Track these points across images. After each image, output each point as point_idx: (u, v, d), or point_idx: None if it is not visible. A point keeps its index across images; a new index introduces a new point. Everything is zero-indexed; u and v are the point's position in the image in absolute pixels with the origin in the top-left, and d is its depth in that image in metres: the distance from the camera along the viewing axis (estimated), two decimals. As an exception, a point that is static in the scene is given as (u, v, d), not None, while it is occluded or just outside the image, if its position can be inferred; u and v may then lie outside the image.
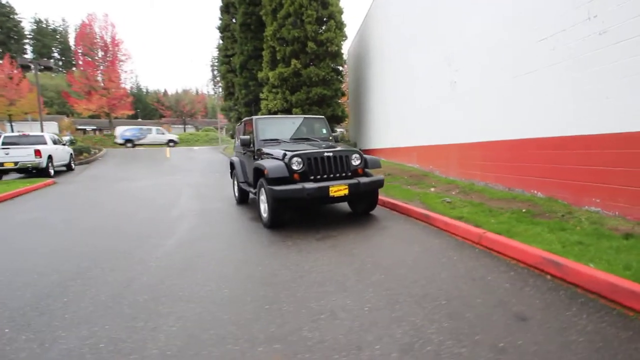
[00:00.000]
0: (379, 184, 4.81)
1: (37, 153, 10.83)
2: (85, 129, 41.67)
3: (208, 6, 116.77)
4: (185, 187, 9.31)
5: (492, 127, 5.95)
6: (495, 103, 5.84)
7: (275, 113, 13.53)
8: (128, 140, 27.04)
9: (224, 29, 19.10)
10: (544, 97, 4.80)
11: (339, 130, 17.58)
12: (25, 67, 19.93)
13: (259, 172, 4.88)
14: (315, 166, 4.55)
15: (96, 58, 28.71)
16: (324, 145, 5.12)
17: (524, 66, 5.07)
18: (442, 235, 4.03)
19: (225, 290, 2.72)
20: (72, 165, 13.97)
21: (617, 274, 2.40)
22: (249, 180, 6.07)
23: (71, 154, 14.09)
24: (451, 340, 1.91)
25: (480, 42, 6.11)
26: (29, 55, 49.40)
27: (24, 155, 10.75)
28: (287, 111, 13.31)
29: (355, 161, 4.81)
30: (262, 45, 15.29)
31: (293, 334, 2.05)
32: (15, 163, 10.75)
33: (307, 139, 5.77)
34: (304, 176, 4.48)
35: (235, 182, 6.86)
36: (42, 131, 15.24)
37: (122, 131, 27.53)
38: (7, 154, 10.75)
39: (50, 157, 11.42)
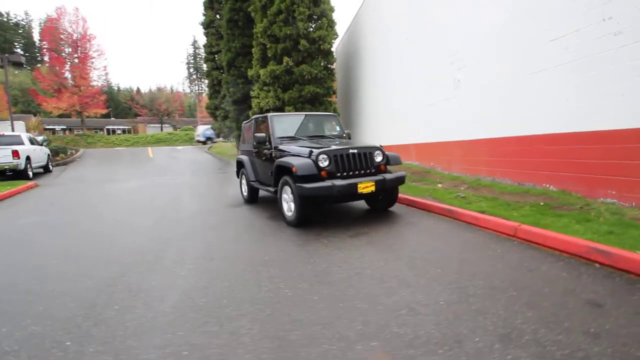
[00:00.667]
0: (402, 180, 4.84)
1: (15, 154, 10.10)
2: (54, 129, 39.33)
3: (180, 1, 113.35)
4: (182, 188, 9.00)
5: (498, 124, 6.14)
6: (503, 101, 6.03)
7: (267, 111, 13.34)
8: (208, 139, 27.99)
9: (208, 25, 18.60)
10: (555, 95, 5.00)
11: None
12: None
13: (282, 170, 4.79)
14: (342, 163, 4.52)
15: (63, 54, 27.13)
16: (338, 143, 5.09)
17: (535, 64, 5.27)
18: (472, 229, 4.11)
19: (286, 290, 2.64)
20: (50, 166, 13.16)
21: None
22: (262, 179, 5.95)
23: (49, 155, 13.26)
24: (543, 329, 1.95)
25: (486, 41, 6.28)
26: (-13, 50, 45.91)
27: (0, 156, 9.99)
28: (280, 109, 13.15)
29: (378, 157, 4.82)
30: (250, 42, 15.02)
31: (383, 330, 2.02)
32: (-9, 165, 9.99)
33: (322, 136, 5.74)
34: (330, 173, 4.44)
35: (244, 182, 6.70)
36: (13, 131, 14.25)
37: (203, 130, 28.73)
38: (-19, 155, 9.97)
39: (28, 158, 10.70)
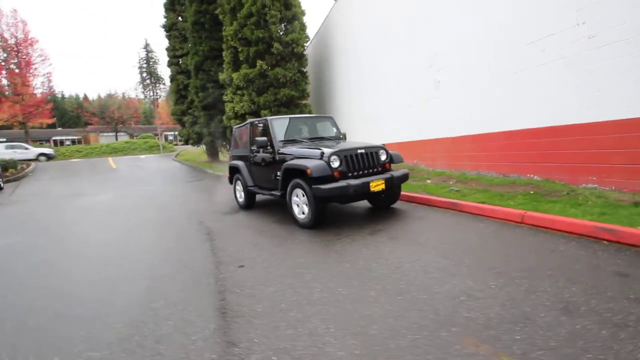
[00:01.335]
0: (407, 177, 5.06)
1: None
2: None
3: (128, 3, 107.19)
4: (164, 197, 8.59)
5: (482, 121, 6.60)
6: (485, 99, 6.49)
7: (243, 115, 13.11)
8: None
9: (170, 27, 17.85)
10: (535, 93, 5.50)
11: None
12: None
13: (291, 173, 4.79)
14: (352, 163, 4.63)
15: (-1, 60, 24.64)
16: (339, 143, 5.20)
17: (517, 65, 5.75)
18: (479, 219, 4.40)
19: (339, 289, 2.68)
20: (0, 183, 11.89)
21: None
22: (262, 184, 5.88)
23: (-1, 170, 11.98)
24: (593, 300, 2.18)
25: (468, 44, 6.73)
26: None
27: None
28: (255, 113, 13.01)
29: (383, 156, 4.99)
30: (218, 45, 14.68)
31: (455, 316, 2.15)
32: None
33: (322, 138, 5.80)
34: (342, 173, 4.52)
35: (239, 187, 6.57)
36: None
37: None
38: None
39: (-23, 176, 9.58)
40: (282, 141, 5.41)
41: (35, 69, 25.84)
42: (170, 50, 17.85)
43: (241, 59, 13.07)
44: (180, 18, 17.93)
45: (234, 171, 6.68)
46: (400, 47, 8.81)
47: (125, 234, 5.18)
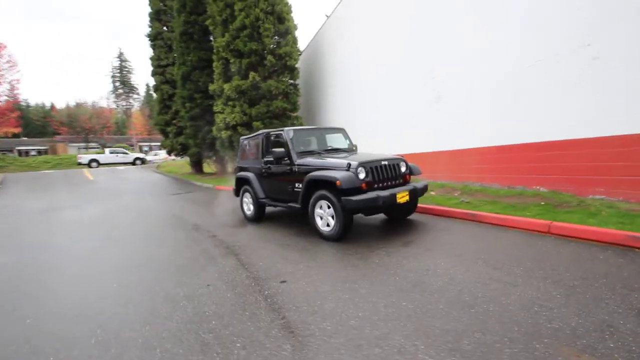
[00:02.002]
0: (426, 189, 5.12)
1: None
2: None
3: (97, 10, 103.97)
4: (158, 210, 8.18)
5: (485, 135, 6.85)
6: (491, 115, 6.76)
7: (234, 127, 12.91)
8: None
9: (154, 37, 17.43)
10: (541, 109, 5.80)
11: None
12: None
13: (315, 184, 4.71)
14: (377, 174, 4.63)
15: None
16: (356, 154, 5.24)
17: (521, 84, 6.05)
18: (503, 229, 4.50)
19: (404, 303, 2.62)
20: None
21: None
22: (276, 195, 5.75)
23: (-35, 182, 11.06)
24: (662, 307, 2.26)
25: (470, 63, 7.01)
26: None
27: None
28: (247, 125, 12.85)
29: (403, 168, 5.04)
30: (207, 55, 14.50)
31: (539, 327, 2.14)
32: None
33: (336, 149, 5.78)
34: (369, 185, 4.51)
35: (247, 200, 6.39)
36: None
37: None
38: None
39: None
40: (300, 153, 5.33)
41: (2, 75, 24.29)
42: (155, 59, 17.39)
43: (233, 70, 12.95)
44: (165, 28, 17.59)
45: (242, 182, 6.50)
46: (402, 64, 9.06)
47: (135, 251, 4.85)
